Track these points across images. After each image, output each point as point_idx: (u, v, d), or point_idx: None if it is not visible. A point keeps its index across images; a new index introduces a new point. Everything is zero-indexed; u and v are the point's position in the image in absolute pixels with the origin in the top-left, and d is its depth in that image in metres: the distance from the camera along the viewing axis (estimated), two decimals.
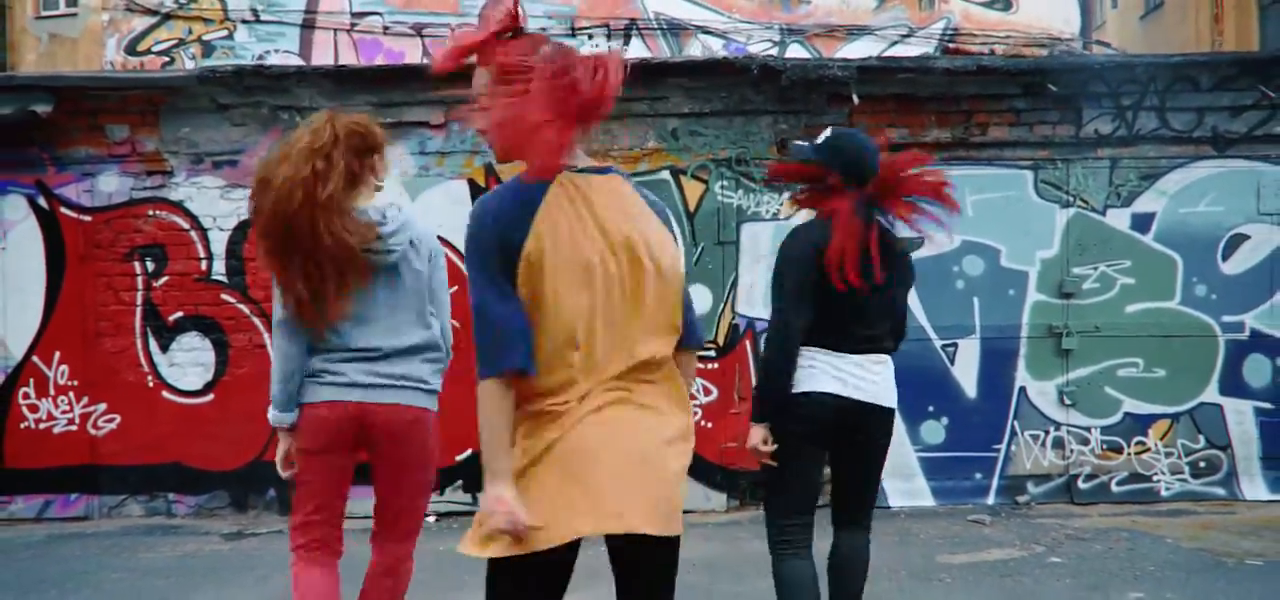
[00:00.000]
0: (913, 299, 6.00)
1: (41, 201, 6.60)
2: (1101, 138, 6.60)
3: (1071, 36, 14.60)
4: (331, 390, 2.95)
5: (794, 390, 3.02)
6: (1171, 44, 18.54)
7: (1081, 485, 6.57)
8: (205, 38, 12.15)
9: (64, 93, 6.48)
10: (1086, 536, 5.65)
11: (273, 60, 11.88)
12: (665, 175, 6.61)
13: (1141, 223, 6.59)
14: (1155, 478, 6.58)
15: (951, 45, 13.20)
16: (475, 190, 6.59)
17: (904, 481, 6.56)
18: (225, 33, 12.12)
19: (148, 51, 12.35)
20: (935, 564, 5.13)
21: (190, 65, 12.13)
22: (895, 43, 13.06)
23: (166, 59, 12.36)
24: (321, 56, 12.00)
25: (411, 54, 12.10)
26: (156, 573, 5.27)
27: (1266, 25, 16.57)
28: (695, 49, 12.20)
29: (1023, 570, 4.96)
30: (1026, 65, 6.44)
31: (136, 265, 6.62)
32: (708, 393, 6.55)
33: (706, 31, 12.62)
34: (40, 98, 6.38)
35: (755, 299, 6.56)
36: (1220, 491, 6.56)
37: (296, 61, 11.99)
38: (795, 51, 12.69)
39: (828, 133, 3.14)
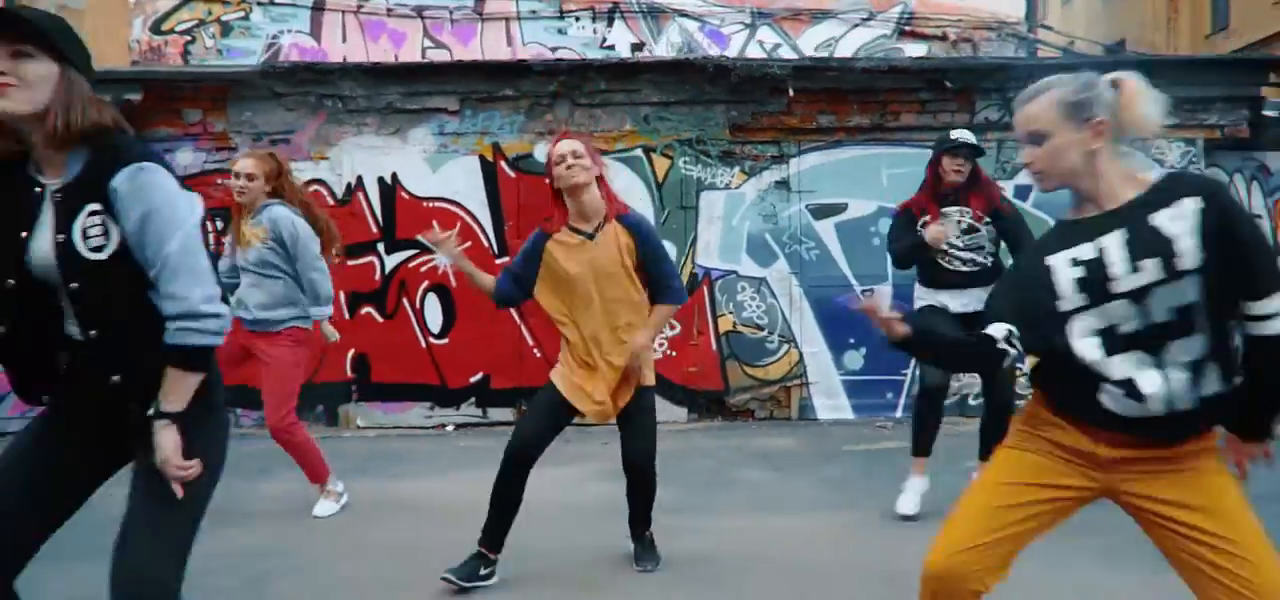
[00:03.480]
0: (840, 254, 7.58)
1: None
2: (991, 123, 8.17)
3: (1017, 21, 16.13)
4: None
5: None
6: (1129, 24, 20.14)
7: (971, 402, 8.20)
8: (223, 18, 13.53)
9: (150, 83, 7.96)
10: (959, 433, 7.29)
11: (284, 41, 13.35)
12: (639, 153, 8.16)
13: (1022, 192, 8.17)
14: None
15: (908, 28, 14.72)
16: (485, 165, 8.12)
17: (830, 399, 8.20)
18: (242, 13, 13.50)
19: (171, 31, 13.69)
20: (841, 451, 6.78)
21: (209, 44, 13.58)
22: (856, 25, 14.58)
23: (189, 39, 13.68)
24: (330, 37, 13.44)
25: (412, 35, 13.56)
26: None
27: (1217, 3, 18.11)
28: (673, 31, 13.70)
29: (905, 454, 6.59)
30: (928, 65, 7.98)
31: (207, 225, 8.14)
32: (673, 328, 8.14)
33: (683, 15, 14.11)
34: (131, 88, 7.85)
35: (711, 253, 8.15)
36: None
37: (308, 41, 13.43)
38: (765, 34, 14.21)
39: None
